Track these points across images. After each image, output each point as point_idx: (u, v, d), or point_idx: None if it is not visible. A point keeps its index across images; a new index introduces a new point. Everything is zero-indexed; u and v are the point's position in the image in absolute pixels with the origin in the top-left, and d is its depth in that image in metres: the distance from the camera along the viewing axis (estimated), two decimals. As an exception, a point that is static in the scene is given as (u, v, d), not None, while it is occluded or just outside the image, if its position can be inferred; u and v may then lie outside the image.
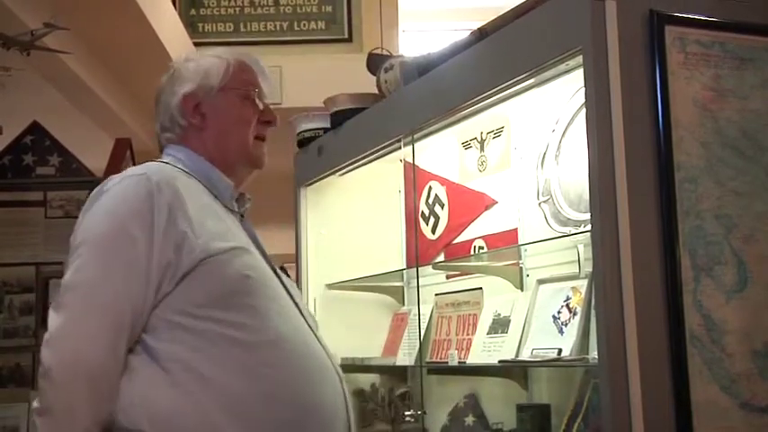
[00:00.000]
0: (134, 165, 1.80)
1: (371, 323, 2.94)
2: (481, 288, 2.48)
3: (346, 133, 2.76)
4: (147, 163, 1.62)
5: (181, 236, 1.48)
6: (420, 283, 2.55)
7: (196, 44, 6.13)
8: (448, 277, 2.68)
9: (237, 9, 6.80)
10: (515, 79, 2.00)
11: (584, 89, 1.75)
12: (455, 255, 2.60)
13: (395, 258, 2.88)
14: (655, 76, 1.71)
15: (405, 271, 2.84)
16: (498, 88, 2.06)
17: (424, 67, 2.38)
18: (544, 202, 2.20)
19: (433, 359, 2.57)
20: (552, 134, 2.18)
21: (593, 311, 1.86)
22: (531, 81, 2.00)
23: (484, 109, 2.24)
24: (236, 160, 1.68)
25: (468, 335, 2.46)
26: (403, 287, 2.92)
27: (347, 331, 2.94)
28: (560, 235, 2.12)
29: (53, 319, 1.46)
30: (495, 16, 2.13)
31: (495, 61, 2.08)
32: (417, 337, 2.55)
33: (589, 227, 1.76)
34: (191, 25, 6.49)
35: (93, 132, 5.55)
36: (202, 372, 1.46)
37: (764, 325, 1.72)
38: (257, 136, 1.71)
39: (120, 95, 5.60)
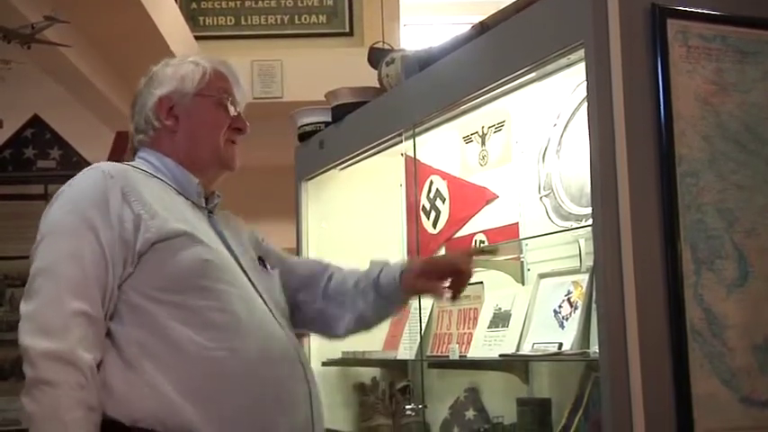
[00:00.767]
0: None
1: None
2: (482, 282, 2.48)
3: (347, 127, 2.76)
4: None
5: (137, 218, 1.54)
6: (421, 277, 2.55)
7: (197, 38, 6.13)
8: (449, 271, 2.68)
9: (238, 2, 6.79)
10: (517, 73, 1.99)
11: (585, 83, 1.75)
12: (456, 249, 2.60)
13: (396, 252, 2.88)
14: (656, 70, 1.70)
15: (405, 265, 2.84)
16: (499, 82, 2.06)
17: (425, 61, 2.38)
18: (545, 196, 2.19)
19: (434, 353, 2.57)
20: (553, 128, 2.18)
21: (594, 306, 1.86)
22: (533, 75, 2.00)
23: (485, 103, 2.23)
24: (206, 162, 1.73)
25: (468, 329, 2.46)
26: (404, 281, 2.92)
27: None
28: (561, 229, 2.12)
29: (24, 306, 1.50)
30: (497, 10, 2.13)
31: (496, 55, 2.07)
32: (418, 331, 2.56)
33: (590, 221, 1.76)
34: (191, 19, 6.48)
35: (94, 125, 5.56)
36: (159, 354, 1.50)
37: (765, 319, 1.72)
38: (228, 140, 1.76)
39: (120, 88, 5.60)
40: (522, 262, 2.36)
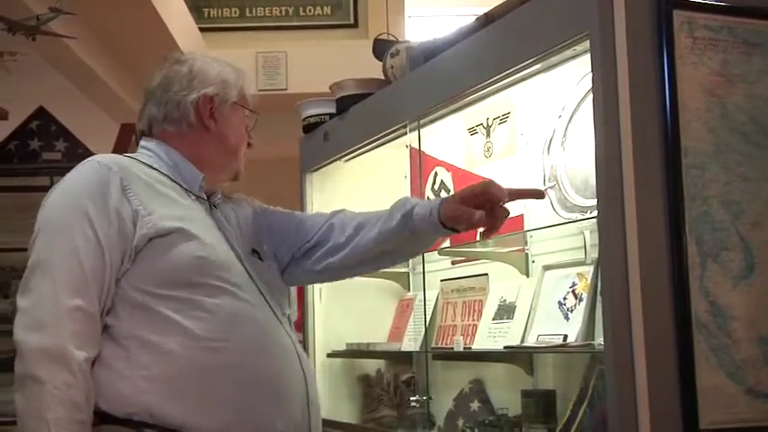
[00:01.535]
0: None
1: (377, 309, 2.95)
2: (487, 274, 2.48)
3: (352, 119, 2.76)
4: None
5: (134, 213, 1.55)
6: (426, 269, 2.55)
7: (201, 29, 6.12)
8: (453, 263, 2.68)
9: (243, -6, 6.78)
10: (522, 65, 1.99)
11: (591, 74, 1.74)
12: (461, 241, 2.59)
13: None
14: (662, 61, 1.69)
15: (410, 257, 2.84)
16: (504, 74, 2.05)
17: (430, 53, 2.37)
18: (550, 187, 2.19)
19: (439, 345, 2.57)
20: (559, 120, 2.17)
21: (599, 297, 1.86)
22: (538, 66, 1.99)
23: (490, 95, 2.23)
24: (224, 168, 1.76)
25: (473, 321, 2.46)
26: (408, 273, 2.92)
27: (353, 317, 2.95)
28: (566, 221, 2.12)
29: (20, 300, 1.50)
30: (502, 1, 2.12)
31: (501, 47, 2.07)
32: (423, 323, 2.56)
33: (595, 213, 1.75)
34: (196, 10, 6.47)
35: (99, 117, 5.56)
36: (155, 348, 1.51)
37: (771, 311, 1.71)
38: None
39: (125, 80, 5.61)
40: (527, 254, 2.36)
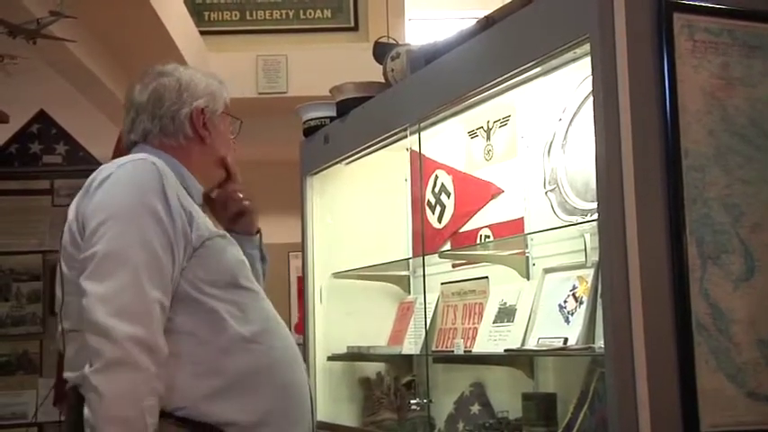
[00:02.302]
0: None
1: (377, 312, 2.95)
2: (487, 277, 2.48)
3: (352, 122, 2.76)
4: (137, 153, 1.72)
5: (188, 213, 1.60)
6: (426, 272, 2.55)
7: (202, 32, 6.12)
8: (454, 266, 2.68)
9: (244, -3, 6.78)
10: (522, 68, 1.99)
11: (591, 77, 1.74)
12: (461, 244, 2.60)
13: (401, 247, 2.88)
14: (663, 64, 1.70)
15: (411, 260, 2.84)
16: (505, 77, 2.06)
17: (430, 56, 2.38)
18: (550, 190, 2.19)
19: (439, 348, 2.57)
20: (559, 123, 2.17)
21: (599, 300, 1.86)
22: (538, 69, 2.00)
23: (490, 98, 2.23)
24: (213, 177, 1.84)
25: (473, 324, 2.46)
26: (409, 276, 2.92)
27: (353, 320, 2.95)
28: (567, 224, 2.12)
29: (95, 287, 1.49)
30: (502, 4, 2.12)
31: (501, 49, 2.07)
32: (423, 326, 2.56)
33: (595, 216, 1.75)
34: (197, 14, 6.47)
35: (100, 120, 5.56)
36: (206, 345, 1.56)
37: (771, 314, 1.71)
38: None
39: (126, 84, 5.59)
40: (528, 257, 2.36)
